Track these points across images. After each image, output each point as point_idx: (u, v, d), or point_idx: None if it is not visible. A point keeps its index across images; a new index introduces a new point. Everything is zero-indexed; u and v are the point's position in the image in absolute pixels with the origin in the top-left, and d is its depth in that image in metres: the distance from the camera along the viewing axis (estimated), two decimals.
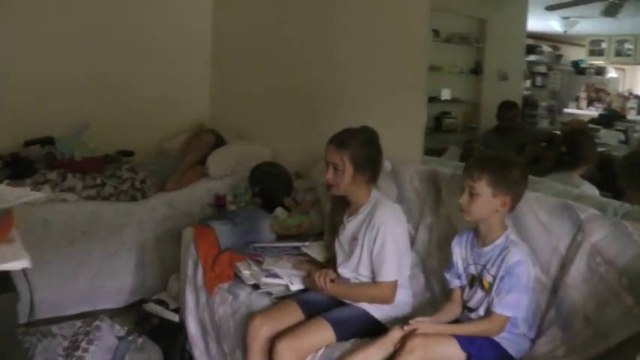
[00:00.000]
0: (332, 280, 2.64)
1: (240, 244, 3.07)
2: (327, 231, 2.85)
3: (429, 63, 3.26)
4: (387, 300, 2.54)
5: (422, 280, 2.82)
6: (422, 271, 2.84)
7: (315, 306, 2.59)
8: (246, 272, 2.83)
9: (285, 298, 2.68)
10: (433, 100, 3.41)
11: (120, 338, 1.89)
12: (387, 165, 3.09)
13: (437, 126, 3.51)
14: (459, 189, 2.44)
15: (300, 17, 4.00)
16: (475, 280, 2.34)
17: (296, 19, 4.03)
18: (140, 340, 2.75)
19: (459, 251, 2.43)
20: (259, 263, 2.89)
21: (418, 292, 2.77)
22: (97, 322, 1.86)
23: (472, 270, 2.37)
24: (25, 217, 3.32)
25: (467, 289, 2.39)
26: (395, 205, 2.66)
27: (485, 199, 2.23)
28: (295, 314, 2.56)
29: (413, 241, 2.91)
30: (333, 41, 3.77)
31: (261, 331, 2.50)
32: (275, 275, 2.78)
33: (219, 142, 4.33)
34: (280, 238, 3.23)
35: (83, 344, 1.80)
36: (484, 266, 2.30)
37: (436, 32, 3.34)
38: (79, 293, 3.58)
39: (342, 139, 2.57)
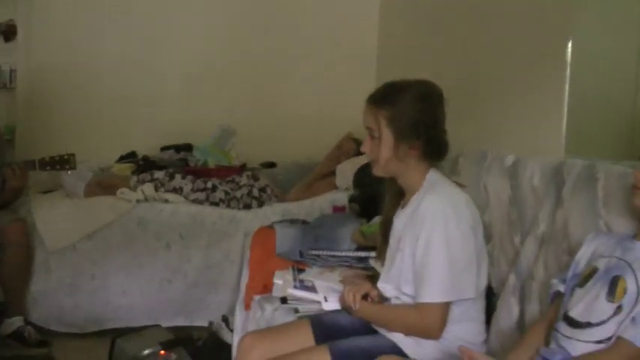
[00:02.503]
0: (365, 297, 1.90)
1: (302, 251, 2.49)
2: (380, 230, 2.10)
3: None
4: (429, 332, 1.75)
5: (515, 314, 1.94)
6: (518, 302, 1.94)
7: (333, 330, 1.90)
8: (278, 282, 2.25)
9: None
10: None
11: None
12: (507, 159, 2.27)
13: None
14: (591, 182, 1.80)
15: (462, 19, 3.34)
16: (596, 278, 1.48)
17: (460, 20, 3.37)
18: (174, 356, 2.37)
19: (591, 245, 1.60)
20: (302, 272, 2.27)
21: (506, 331, 1.90)
22: None
23: (599, 263, 1.51)
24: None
25: (572, 291, 1.53)
26: (454, 190, 1.86)
27: None
28: (301, 338, 1.89)
29: (515, 257, 2.05)
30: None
31: (252, 354, 1.87)
32: (309, 288, 2.14)
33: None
34: (362, 249, 2.55)
35: None
36: (629, 264, 1.43)
37: None
38: (174, 303, 3.38)
39: (381, 94, 1.88)
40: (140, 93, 4.29)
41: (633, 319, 1.35)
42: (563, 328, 1.49)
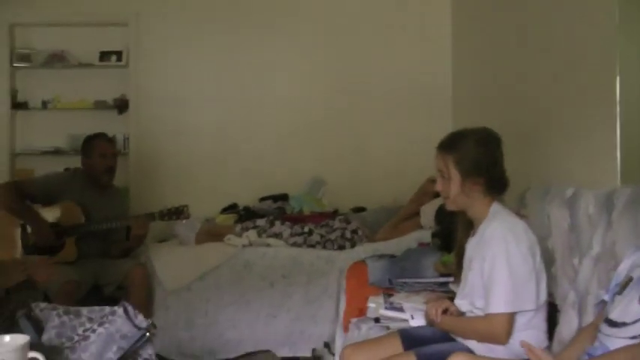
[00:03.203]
0: (445, 312, 2.32)
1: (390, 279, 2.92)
2: (455, 256, 2.52)
3: None
4: (497, 338, 2.13)
5: (574, 325, 2.29)
6: (577, 314, 2.30)
7: (418, 340, 2.30)
8: (372, 305, 2.68)
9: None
10: None
11: (140, 329, 1.98)
12: (567, 191, 2.66)
13: None
14: (636, 206, 2.14)
15: (527, 49, 3.74)
16: (632, 286, 1.81)
17: (521, 64, 3.77)
18: None
19: (630, 259, 1.93)
20: (391, 297, 2.71)
21: (566, 340, 2.23)
22: (115, 308, 2.00)
23: (635, 272, 1.85)
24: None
25: (613, 298, 1.87)
26: (514, 219, 2.26)
27: None
28: (393, 346, 2.31)
29: (574, 277, 2.40)
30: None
31: None
32: (398, 309, 2.57)
33: None
34: (443, 276, 2.96)
35: (95, 325, 1.95)
36: None
37: None
38: (279, 335, 3.80)
39: (448, 141, 2.32)
40: (238, 151, 4.93)
41: None
42: (604, 328, 1.84)
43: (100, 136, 3.86)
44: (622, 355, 1.71)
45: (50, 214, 3.63)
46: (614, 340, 1.77)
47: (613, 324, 1.80)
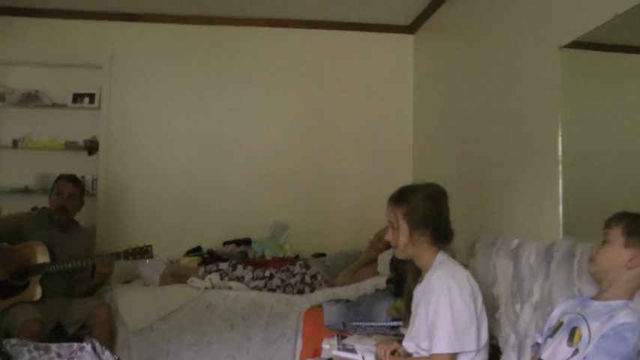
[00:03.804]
0: (393, 353, 2.48)
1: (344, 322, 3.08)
2: (404, 301, 2.70)
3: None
4: None
5: None
6: (516, 356, 2.50)
7: None
8: (325, 346, 2.82)
9: None
10: None
11: None
12: (512, 242, 2.88)
13: None
14: (570, 258, 2.38)
15: (481, 104, 4.00)
16: (561, 329, 2.03)
17: (472, 123, 4.06)
18: None
19: (562, 306, 2.17)
20: (345, 339, 2.86)
21: None
22: (84, 344, 2.12)
23: (564, 318, 2.07)
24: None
25: (546, 341, 2.08)
26: (457, 267, 2.44)
27: (614, 248, 2.01)
28: None
29: (516, 321, 2.60)
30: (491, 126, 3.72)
31: None
32: (351, 350, 2.72)
33: None
34: (395, 321, 3.13)
35: None
36: (584, 317, 1.98)
37: None
38: None
39: (398, 195, 2.52)
40: (204, 194, 5.10)
41: (584, 358, 1.89)
42: None
43: (63, 176, 3.99)
44: None
45: (16, 253, 3.71)
46: None
47: None
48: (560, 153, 2.95)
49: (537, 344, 2.19)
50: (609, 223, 2.05)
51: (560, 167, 2.94)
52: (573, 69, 2.98)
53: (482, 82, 3.88)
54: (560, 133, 2.95)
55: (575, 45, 2.89)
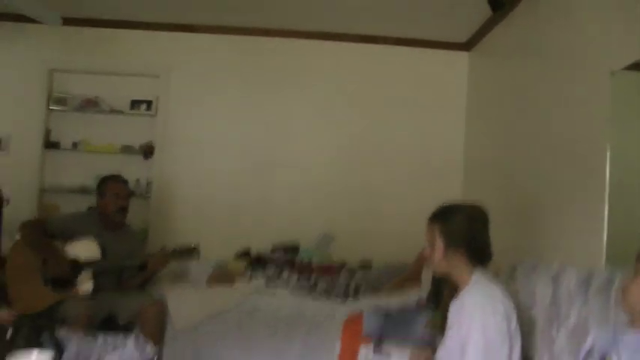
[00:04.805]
0: None
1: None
2: (440, 316, 2.77)
3: None
4: None
5: None
6: None
7: None
8: (362, 352, 2.92)
9: None
10: None
11: (147, 357, 2.25)
12: (553, 268, 2.92)
13: None
14: (609, 286, 2.38)
15: (531, 126, 4.04)
16: (592, 356, 2.09)
17: (530, 128, 4.07)
18: None
19: (596, 333, 2.25)
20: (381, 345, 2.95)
21: None
22: (127, 337, 2.29)
23: (597, 345, 2.11)
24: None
25: None
26: (492, 286, 2.50)
27: None
28: None
29: (551, 345, 2.63)
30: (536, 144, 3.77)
31: None
32: (386, 357, 2.81)
33: None
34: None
35: (109, 350, 2.23)
36: (616, 346, 1.98)
37: None
38: None
39: (437, 213, 2.61)
40: (254, 200, 5.26)
41: None
42: None
43: (114, 178, 4.16)
44: None
45: (70, 251, 3.93)
46: None
47: None
48: (607, 179, 2.95)
49: None
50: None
51: (607, 194, 2.95)
52: (624, 94, 2.99)
53: (533, 104, 3.91)
54: (608, 158, 2.96)
55: (628, 67, 2.88)
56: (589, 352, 2.15)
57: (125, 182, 4.19)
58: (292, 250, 4.85)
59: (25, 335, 2.28)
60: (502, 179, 4.36)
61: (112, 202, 4.06)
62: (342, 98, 5.35)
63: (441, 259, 2.54)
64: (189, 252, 3.96)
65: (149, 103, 5.39)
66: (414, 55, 5.39)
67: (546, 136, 3.68)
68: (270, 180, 5.31)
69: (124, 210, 4.09)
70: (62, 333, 2.29)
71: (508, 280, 3.19)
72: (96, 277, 3.88)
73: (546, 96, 3.74)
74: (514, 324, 2.47)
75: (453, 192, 5.08)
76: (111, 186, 4.09)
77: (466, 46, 5.38)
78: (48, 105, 5.40)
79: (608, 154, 2.97)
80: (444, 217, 2.56)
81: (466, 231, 2.52)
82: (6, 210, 4.58)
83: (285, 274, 4.32)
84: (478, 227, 2.56)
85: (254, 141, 5.34)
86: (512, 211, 3.98)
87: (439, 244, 2.53)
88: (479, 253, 2.54)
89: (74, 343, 2.24)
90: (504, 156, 4.37)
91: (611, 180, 2.96)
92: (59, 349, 2.19)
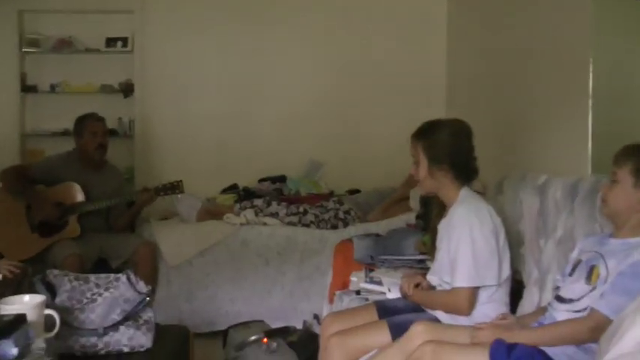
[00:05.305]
0: (417, 286, 2.60)
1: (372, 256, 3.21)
2: (430, 236, 2.81)
3: None
4: (461, 310, 2.41)
5: (535, 300, 2.57)
6: (538, 290, 2.59)
7: (391, 310, 2.59)
8: (354, 279, 2.97)
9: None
10: None
11: (140, 294, 2.28)
12: (540, 178, 2.94)
13: None
14: (594, 194, 2.40)
15: (513, 42, 3.99)
16: (580, 267, 2.11)
17: (512, 44, 4.02)
18: (275, 344, 3.09)
19: (581, 244, 2.25)
20: (372, 272, 2.99)
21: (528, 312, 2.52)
22: (119, 275, 2.31)
23: (583, 256, 2.15)
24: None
25: (564, 277, 2.18)
26: (480, 203, 2.53)
27: (624, 190, 2.03)
28: (369, 316, 2.60)
29: (539, 257, 2.68)
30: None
31: (331, 329, 2.59)
32: (377, 283, 2.86)
33: None
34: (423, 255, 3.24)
35: (101, 290, 2.26)
36: (602, 255, 2.05)
37: None
38: (273, 310, 4.09)
39: (420, 129, 2.60)
40: (239, 134, 5.20)
41: (602, 295, 1.94)
42: (554, 304, 2.14)
43: (89, 116, 4.11)
44: (566, 325, 2.00)
45: (53, 194, 3.92)
46: (561, 314, 2.08)
47: (562, 300, 2.10)
48: (590, 89, 2.95)
49: (558, 288, 2.25)
50: (617, 161, 2.05)
51: (590, 103, 2.96)
52: (606, 3, 2.98)
53: (516, 18, 3.86)
54: (591, 69, 2.94)
55: None
56: (574, 265, 2.16)
57: (101, 119, 4.13)
58: (279, 180, 4.86)
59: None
60: (486, 95, 4.35)
61: (91, 141, 4.02)
62: (321, 23, 5.22)
63: (426, 177, 2.54)
64: (173, 187, 3.97)
65: (125, 40, 5.26)
66: None
67: (529, 49, 3.65)
68: (254, 112, 5.23)
69: (103, 147, 4.06)
70: (55, 275, 2.30)
71: (496, 193, 3.23)
72: (82, 219, 3.89)
73: (529, 9, 3.68)
74: (502, 239, 2.50)
75: (438, 112, 4.98)
76: (87, 125, 4.05)
77: None
78: (21, 47, 5.26)
79: (590, 65, 2.96)
80: (427, 133, 2.55)
81: (449, 146, 2.51)
82: None
83: (274, 204, 4.33)
84: (462, 141, 2.55)
85: (235, 73, 5.23)
86: (498, 127, 3.98)
87: (423, 161, 2.53)
88: (464, 169, 2.54)
89: (66, 285, 2.25)
90: (487, 73, 4.34)
91: (594, 91, 2.96)
92: (52, 293, 2.21)
